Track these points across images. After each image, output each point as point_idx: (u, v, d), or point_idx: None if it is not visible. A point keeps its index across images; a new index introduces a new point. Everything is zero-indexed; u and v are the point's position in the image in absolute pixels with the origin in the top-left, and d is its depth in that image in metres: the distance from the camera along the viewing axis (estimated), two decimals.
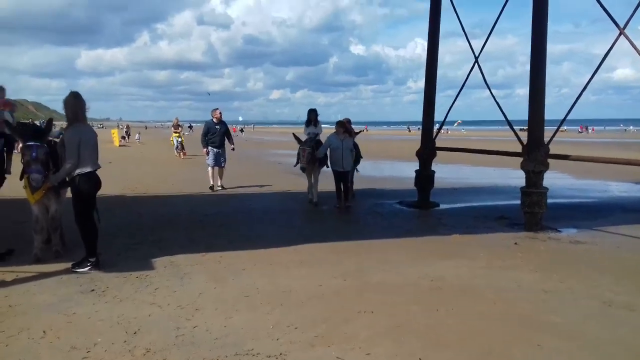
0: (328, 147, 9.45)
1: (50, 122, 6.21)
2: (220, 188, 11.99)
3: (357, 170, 10.65)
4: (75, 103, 5.38)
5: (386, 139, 51.85)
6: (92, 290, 4.83)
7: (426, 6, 10.86)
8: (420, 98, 10.81)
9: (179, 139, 23.54)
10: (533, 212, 7.93)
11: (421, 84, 10.64)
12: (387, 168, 19.39)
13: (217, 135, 11.78)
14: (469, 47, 9.43)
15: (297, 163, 10.00)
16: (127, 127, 46.15)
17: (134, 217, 8.46)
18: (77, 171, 5.27)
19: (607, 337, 3.94)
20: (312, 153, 9.53)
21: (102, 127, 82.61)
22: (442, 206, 10.26)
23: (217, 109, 11.95)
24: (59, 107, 5.49)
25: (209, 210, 9.22)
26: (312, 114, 10.77)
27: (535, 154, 7.87)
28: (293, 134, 10.81)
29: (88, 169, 5.32)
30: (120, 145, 31.19)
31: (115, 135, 32.89)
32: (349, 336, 3.86)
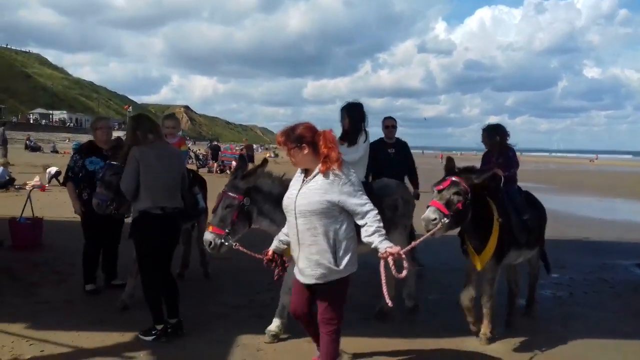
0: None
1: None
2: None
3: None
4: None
5: (622, 170, 42.82)
6: None
7: None
8: None
9: None
10: None
11: None
12: (618, 209, 14.71)
13: (389, 166, 5.48)
14: None
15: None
16: None
17: None
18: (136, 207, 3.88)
19: None
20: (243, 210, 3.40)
21: None
22: None
23: (390, 117, 6.05)
24: None
25: None
26: (350, 115, 4.37)
27: None
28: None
29: (143, 207, 3.78)
30: None
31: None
32: None
